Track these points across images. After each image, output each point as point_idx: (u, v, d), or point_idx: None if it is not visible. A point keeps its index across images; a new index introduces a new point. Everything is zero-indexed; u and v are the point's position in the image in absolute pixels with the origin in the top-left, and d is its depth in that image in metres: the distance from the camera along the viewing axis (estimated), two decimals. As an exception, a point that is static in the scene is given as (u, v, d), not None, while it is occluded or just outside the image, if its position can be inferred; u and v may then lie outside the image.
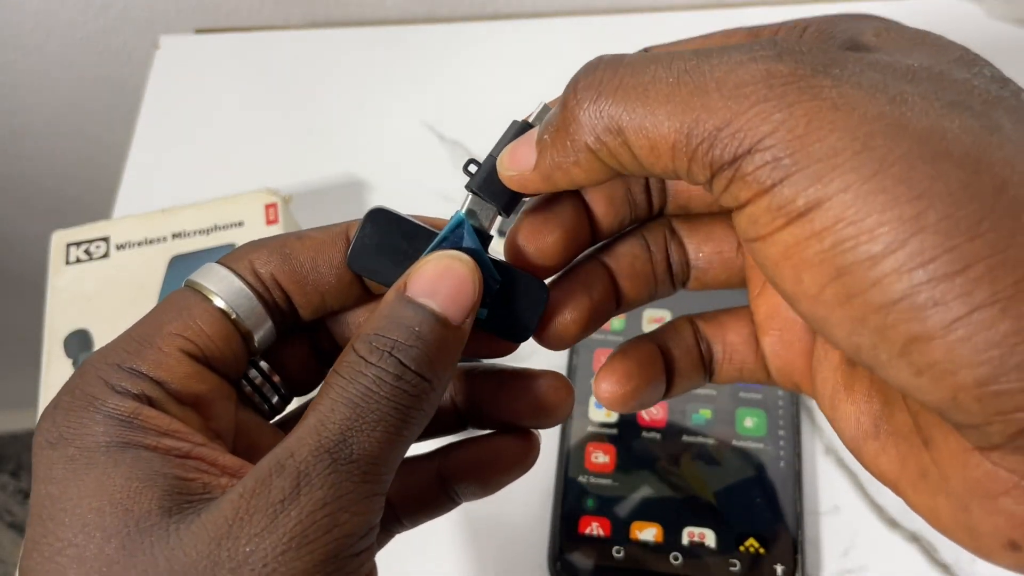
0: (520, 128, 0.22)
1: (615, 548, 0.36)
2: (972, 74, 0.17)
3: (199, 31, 0.60)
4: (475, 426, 0.25)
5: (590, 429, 0.40)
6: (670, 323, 0.26)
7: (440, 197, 0.49)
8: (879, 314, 0.15)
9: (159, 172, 0.52)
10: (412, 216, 0.22)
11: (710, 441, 0.39)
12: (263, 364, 0.23)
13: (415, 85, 0.54)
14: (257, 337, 0.21)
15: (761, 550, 0.36)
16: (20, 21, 0.61)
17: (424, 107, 0.53)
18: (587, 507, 0.38)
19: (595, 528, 0.37)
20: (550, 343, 0.23)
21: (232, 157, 0.52)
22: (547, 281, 0.23)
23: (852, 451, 0.21)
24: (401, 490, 0.24)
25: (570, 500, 0.38)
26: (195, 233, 0.43)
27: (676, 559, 0.36)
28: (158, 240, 0.43)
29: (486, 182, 0.22)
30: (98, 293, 0.41)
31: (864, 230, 0.15)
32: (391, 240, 0.22)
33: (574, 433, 0.40)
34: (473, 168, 0.22)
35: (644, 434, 0.39)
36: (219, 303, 0.20)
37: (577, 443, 0.39)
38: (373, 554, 0.19)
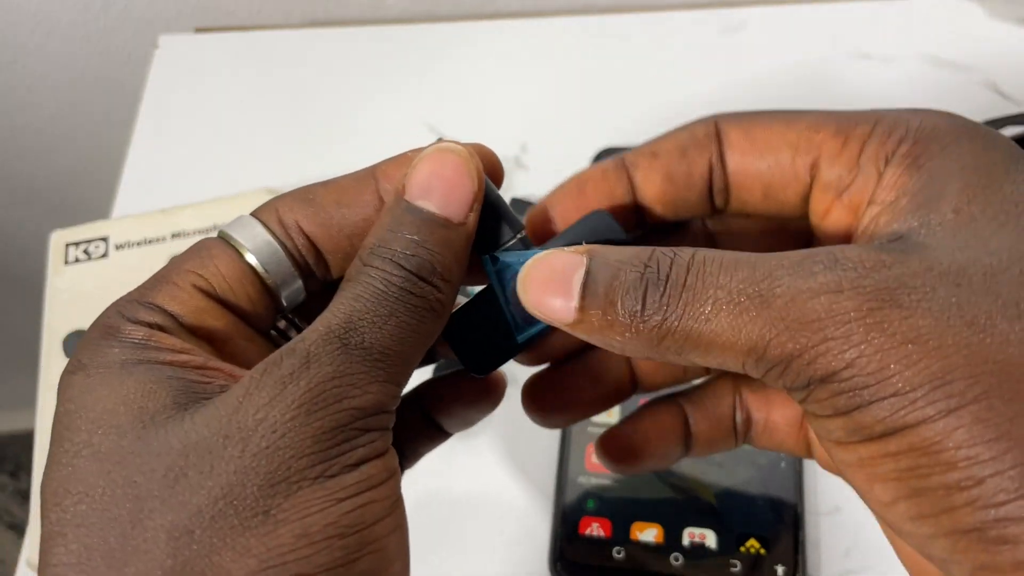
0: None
1: (615, 548, 0.36)
2: None
3: (199, 31, 0.60)
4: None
5: (590, 429, 0.40)
6: (710, 384, 0.25)
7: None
8: (950, 538, 0.15)
9: (159, 172, 0.52)
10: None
11: (710, 441, 0.39)
12: (292, 318, 0.23)
13: (415, 85, 0.54)
14: (279, 283, 0.21)
15: (762, 551, 0.36)
16: (20, 21, 0.61)
17: (424, 107, 0.53)
18: (587, 507, 0.38)
19: (595, 528, 0.37)
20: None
21: (232, 157, 0.52)
22: None
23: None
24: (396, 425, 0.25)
25: (570, 500, 0.38)
26: (195, 233, 0.43)
27: (677, 560, 0.36)
28: (158, 240, 0.43)
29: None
30: (97, 293, 0.41)
31: (940, 463, 0.15)
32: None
33: (574, 433, 0.40)
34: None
35: (644, 434, 0.39)
36: (238, 247, 0.21)
37: (577, 443, 0.39)
38: (386, 441, 0.18)
